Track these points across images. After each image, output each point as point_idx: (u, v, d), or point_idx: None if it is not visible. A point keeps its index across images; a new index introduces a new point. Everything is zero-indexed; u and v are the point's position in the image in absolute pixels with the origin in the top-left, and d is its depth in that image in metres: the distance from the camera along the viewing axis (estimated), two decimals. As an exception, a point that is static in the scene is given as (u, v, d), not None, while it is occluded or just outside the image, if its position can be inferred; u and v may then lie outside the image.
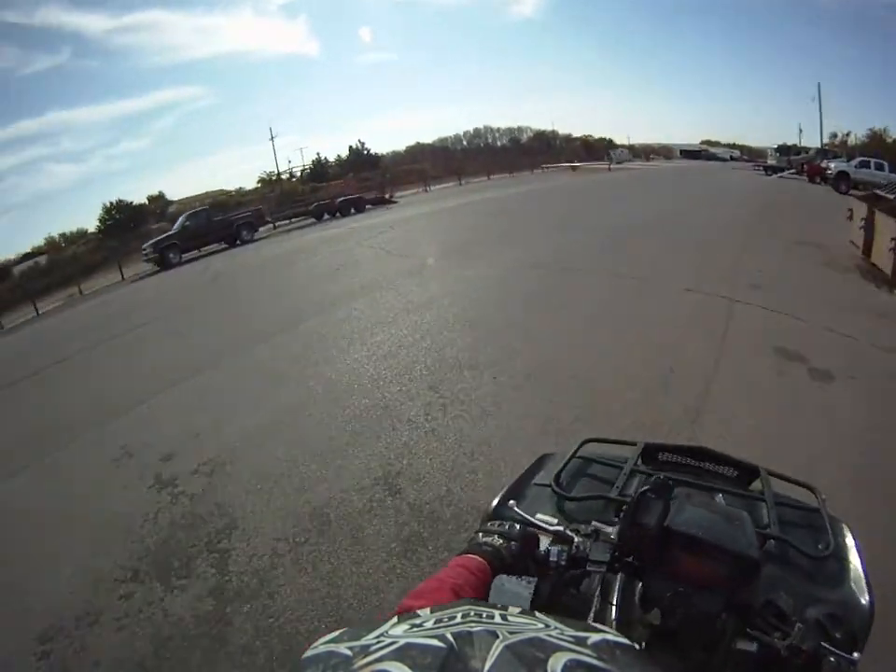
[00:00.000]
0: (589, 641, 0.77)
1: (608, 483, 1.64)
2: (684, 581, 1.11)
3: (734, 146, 75.66)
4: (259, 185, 54.03)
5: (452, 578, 1.05)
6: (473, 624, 0.77)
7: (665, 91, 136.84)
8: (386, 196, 33.57)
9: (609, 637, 0.81)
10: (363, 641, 0.78)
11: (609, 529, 1.24)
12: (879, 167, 30.33)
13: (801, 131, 73.03)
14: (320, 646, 0.80)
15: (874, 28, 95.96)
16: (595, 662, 0.69)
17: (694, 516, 1.16)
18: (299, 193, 43.32)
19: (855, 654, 1.08)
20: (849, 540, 1.56)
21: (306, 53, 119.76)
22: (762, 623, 1.13)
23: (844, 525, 1.63)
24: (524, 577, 1.22)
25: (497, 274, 10.62)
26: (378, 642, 0.75)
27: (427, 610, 0.89)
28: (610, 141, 77.30)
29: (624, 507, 1.28)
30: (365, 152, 61.25)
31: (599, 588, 1.28)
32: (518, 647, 0.69)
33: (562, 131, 79.91)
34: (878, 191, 14.73)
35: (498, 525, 1.24)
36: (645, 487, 1.19)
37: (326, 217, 30.65)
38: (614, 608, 1.23)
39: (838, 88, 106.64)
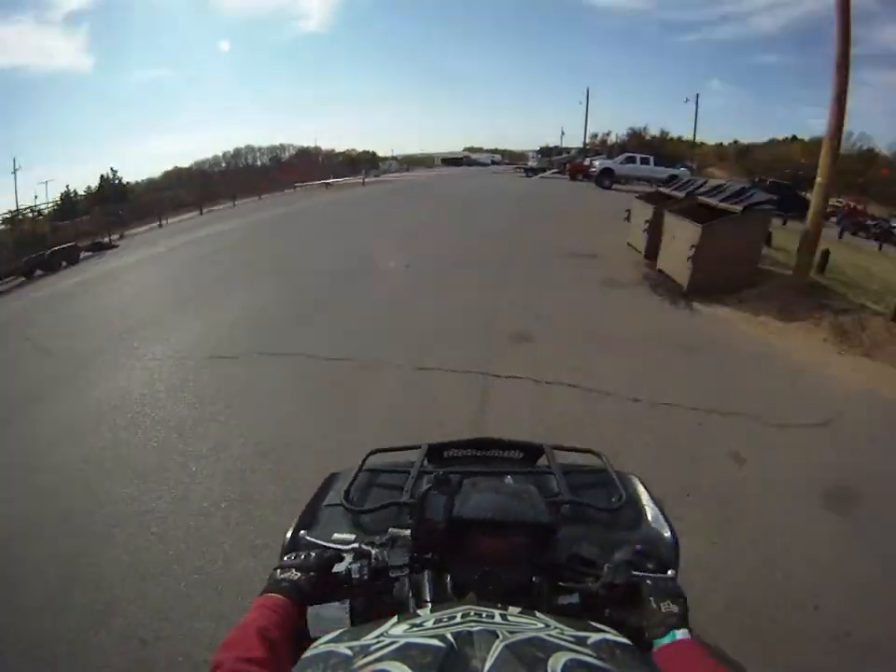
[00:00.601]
0: (589, 641, 0.80)
1: (398, 490, 1.66)
2: (489, 562, 1.16)
3: (496, 150, 78.73)
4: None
5: (256, 621, 1.01)
6: (473, 624, 0.80)
7: (432, 103, 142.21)
8: (106, 240, 26.89)
9: (609, 636, 0.85)
10: (363, 641, 0.82)
11: (406, 533, 1.27)
12: (645, 161, 30.97)
13: (563, 133, 75.70)
14: (321, 646, 0.85)
15: (637, 37, 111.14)
16: (594, 661, 0.73)
17: (481, 501, 1.22)
18: (38, 236, 35.08)
19: (669, 572, 1.21)
20: (640, 488, 1.79)
21: (78, 68, 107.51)
22: (572, 575, 1.23)
23: (633, 477, 1.85)
24: (336, 602, 1.21)
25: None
26: (378, 642, 0.79)
27: (427, 610, 0.94)
28: (374, 154, 77.83)
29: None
30: (116, 181, 53.92)
31: (410, 590, 1.29)
32: (518, 646, 0.72)
33: (326, 146, 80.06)
34: (664, 189, 13.88)
35: (294, 558, 1.21)
36: (427, 486, 1.24)
37: (38, 272, 22.25)
38: (429, 604, 1.22)
39: (603, 94, 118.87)
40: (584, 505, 1.62)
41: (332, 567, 1.22)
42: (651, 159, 31.66)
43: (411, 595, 1.29)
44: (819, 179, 9.44)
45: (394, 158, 71.71)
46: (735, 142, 68.00)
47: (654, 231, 11.05)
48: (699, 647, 1.01)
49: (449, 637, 0.74)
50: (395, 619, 0.89)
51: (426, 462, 1.83)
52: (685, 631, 1.01)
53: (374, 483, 1.80)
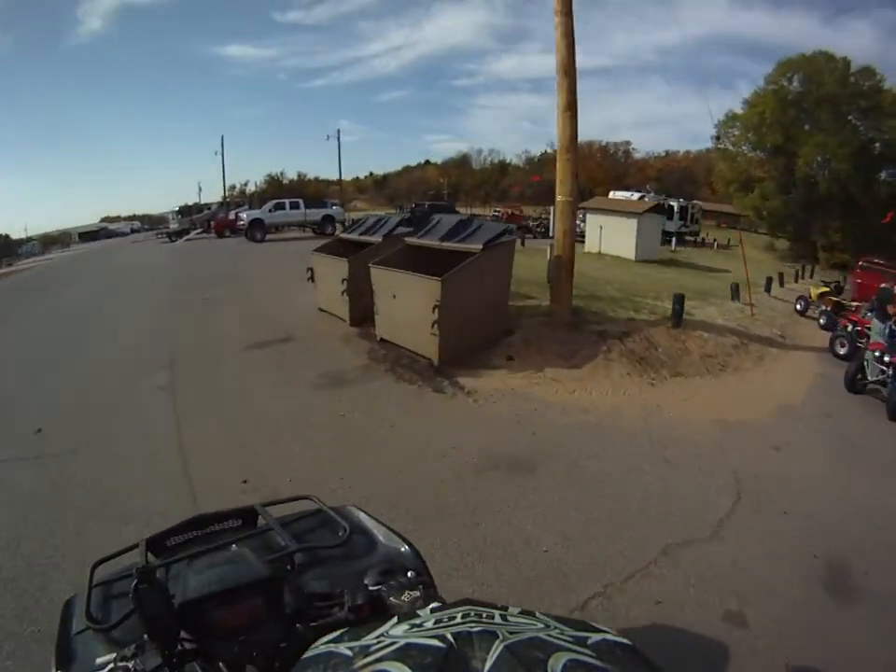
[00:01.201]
0: (589, 641, 0.81)
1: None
2: (238, 629, 1.18)
3: (134, 217, 74.79)
4: None
5: None
6: (473, 624, 0.80)
7: (64, 175, 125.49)
8: None
9: (609, 637, 0.85)
10: (363, 641, 0.83)
11: None
12: (295, 206, 28.87)
13: (200, 189, 69.61)
14: (321, 646, 0.87)
15: (266, 85, 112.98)
16: (594, 662, 0.73)
17: (200, 579, 1.23)
18: None
19: (409, 573, 1.38)
20: (362, 516, 1.92)
21: None
22: (318, 612, 1.30)
23: (351, 508, 1.99)
24: None
25: None
26: (378, 642, 0.80)
27: (428, 610, 0.95)
28: (7, 237, 69.37)
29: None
30: None
31: None
32: (518, 647, 0.72)
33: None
34: (347, 235, 11.88)
35: None
36: (133, 584, 1.17)
37: None
38: None
39: (238, 144, 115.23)
40: (311, 548, 1.68)
41: None
42: (301, 202, 29.84)
43: None
44: (560, 197, 7.90)
45: (29, 239, 65.36)
46: (371, 174, 71.79)
47: (357, 291, 8.88)
48: None
49: (449, 637, 0.74)
50: (395, 619, 0.90)
51: (148, 558, 1.70)
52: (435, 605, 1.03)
53: (111, 594, 1.68)
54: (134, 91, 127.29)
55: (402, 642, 0.76)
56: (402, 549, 1.71)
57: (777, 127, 33.28)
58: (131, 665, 1.18)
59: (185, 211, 39.56)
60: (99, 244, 50.64)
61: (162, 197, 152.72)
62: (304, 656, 0.85)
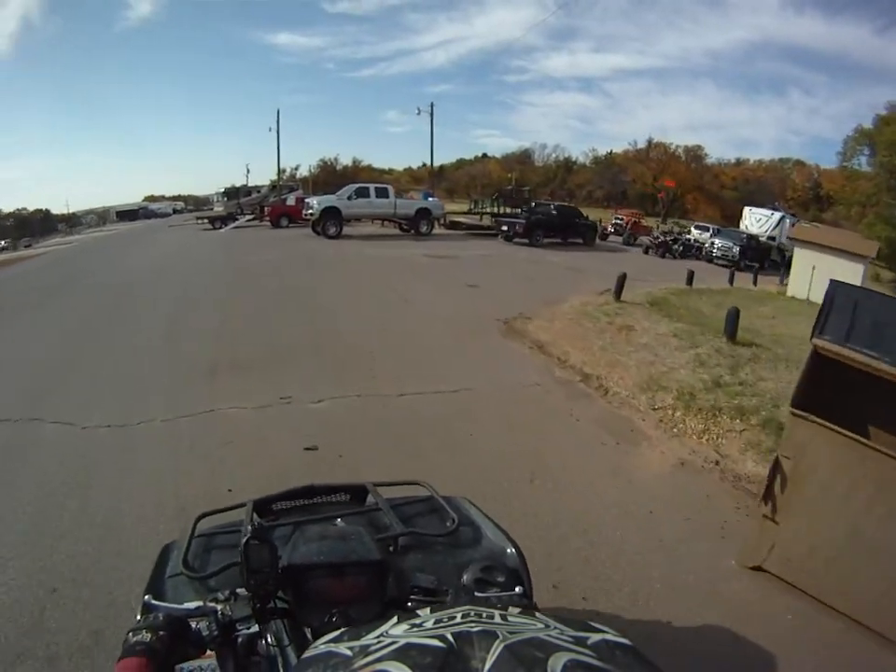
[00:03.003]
0: (589, 641, 0.79)
1: (235, 548, 1.43)
2: (336, 603, 1.22)
3: (178, 197, 73.13)
4: None
5: None
6: (473, 624, 0.78)
7: (109, 152, 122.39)
8: None
9: (609, 637, 0.83)
10: (363, 641, 0.82)
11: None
12: (382, 193, 21.89)
13: (249, 171, 64.26)
14: (321, 646, 0.86)
15: (315, 73, 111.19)
16: (594, 662, 0.71)
17: (310, 547, 1.28)
18: None
19: (517, 588, 1.37)
20: (471, 510, 1.89)
21: None
22: (418, 606, 1.23)
23: (461, 500, 1.95)
24: (201, 662, 1.24)
25: None
26: (378, 642, 0.78)
27: (427, 610, 0.93)
28: (47, 212, 70.63)
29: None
30: None
31: (271, 640, 1.30)
32: (518, 647, 0.71)
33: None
34: None
35: (144, 621, 1.17)
36: (245, 537, 1.20)
37: None
38: (290, 649, 1.27)
39: (286, 130, 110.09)
40: (419, 534, 1.67)
41: (183, 628, 1.18)
42: (390, 188, 22.81)
43: (273, 644, 1.29)
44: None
45: (70, 214, 66.84)
46: (424, 164, 67.22)
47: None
48: None
49: (449, 637, 0.73)
50: (395, 619, 0.89)
51: (254, 518, 1.73)
52: None
53: (211, 546, 1.72)
54: (184, 74, 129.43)
55: (402, 642, 0.75)
56: (508, 549, 1.67)
57: None
58: (219, 609, 1.21)
59: (231, 193, 34.18)
60: (130, 225, 48.36)
61: (209, 179, 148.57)
62: (304, 656, 0.86)
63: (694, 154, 61.21)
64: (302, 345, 8.05)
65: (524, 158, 69.98)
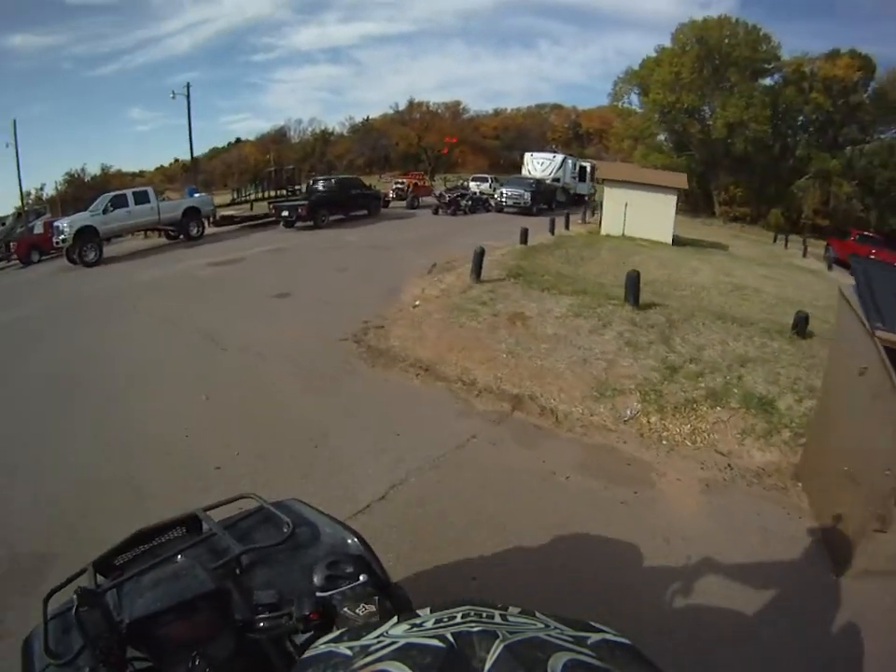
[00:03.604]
0: (589, 641, 0.79)
1: None
2: (191, 643, 1.20)
3: None
4: None
5: None
6: (473, 624, 0.77)
7: None
8: None
9: (609, 636, 0.83)
10: (363, 641, 0.82)
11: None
12: (142, 199, 17.66)
13: None
14: (321, 646, 0.86)
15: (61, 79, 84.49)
16: (594, 662, 0.71)
17: (146, 597, 1.26)
18: None
19: (361, 577, 1.33)
20: (303, 508, 1.95)
21: None
22: (268, 625, 1.28)
23: (292, 502, 2.00)
24: None
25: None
26: (378, 642, 0.78)
27: (427, 610, 0.91)
28: None
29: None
30: None
31: None
32: (518, 647, 0.70)
33: None
34: None
35: None
36: (73, 607, 1.20)
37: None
38: None
39: (26, 146, 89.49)
40: (257, 548, 1.69)
41: None
42: (150, 191, 18.54)
43: None
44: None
45: None
46: (176, 160, 62.44)
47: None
48: None
49: (449, 637, 0.72)
50: (395, 619, 0.89)
51: (96, 580, 1.65)
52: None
53: (69, 624, 1.54)
54: None
55: (402, 642, 0.74)
56: (349, 539, 1.72)
57: (693, 86, 34.67)
58: None
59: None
60: None
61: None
62: (304, 656, 0.85)
63: (454, 110, 61.78)
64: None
65: (279, 137, 65.81)
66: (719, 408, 5.14)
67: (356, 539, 1.70)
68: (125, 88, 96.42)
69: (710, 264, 15.20)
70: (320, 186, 22.20)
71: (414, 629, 0.80)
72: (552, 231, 16.85)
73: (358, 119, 66.75)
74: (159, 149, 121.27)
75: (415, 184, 31.17)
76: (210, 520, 1.84)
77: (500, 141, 60.42)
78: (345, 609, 1.18)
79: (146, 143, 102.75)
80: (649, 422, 5.15)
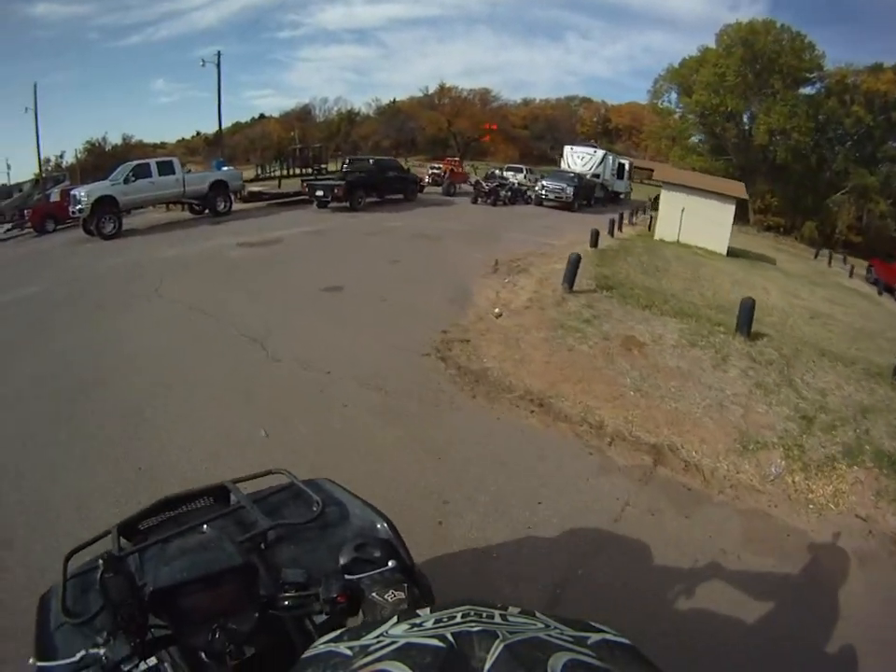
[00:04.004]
0: (589, 641, 0.77)
1: None
2: (213, 616, 1.14)
3: None
4: None
5: None
6: (473, 624, 0.75)
7: None
8: None
9: (609, 636, 0.81)
10: (363, 641, 0.79)
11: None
12: (167, 170, 16.99)
13: (10, 167, 49.19)
14: (321, 646, 0.82)
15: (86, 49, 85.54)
16: (594, 662, 0.69)
17: (172, 566, 1.18)
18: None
19: (390, 562, 1.26)
20: (334, 488, 1.84)
21: None
22: (294, 602, 1.21)
23: (323, 481, 1.90)
24: None
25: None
26: (378, 642, 0.75)
27: (427, 610, 0.89)
28: None
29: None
30: None
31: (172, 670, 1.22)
32: (518, 647, 0.68)
33: None
34: None
35: None
36: (99, 572, 1.13)
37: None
38: None
39: (49, 114, 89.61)
40: (285, 524, 1.63)
41: None
42: (175, 162, 17.44)
43: None
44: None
45: None
46: (198, 133, 62.27)
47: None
48: None
49: (449, 637, 0.70)
50: (395, 619, 0.87)
51: (120, 544, 1.63)
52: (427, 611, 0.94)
53: (88, 584, 1.52)
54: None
55: (402, 642, 0.72)
56: (378, 524, 1.64)
57: (737, 90, 34.05)
58: (102, 653, 1.14)
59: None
60: None
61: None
62: (304, 655, 0.82)
63: (483, 97, 60.65)
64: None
65: (303, 115, 64.99)
66: (856, 466, 4.63)
67: (385, 524, 1.62)
68: (149, 59, 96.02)
69: (773, 282, 14.31)
70: (357, 166, 20.96)
71: (414, 629, 0.77)
72: (611, 232, 15.62)
73: (384, 100, 65.91)
74: (180, 122, 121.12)
75: (452, 170, 29.78)
76: (239, 492, 1.79)
77: (529, 131, 59.57)
78: (374, 595, 1.13)
79: (167, 115, 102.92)
80: (794, 482, 4.54)
